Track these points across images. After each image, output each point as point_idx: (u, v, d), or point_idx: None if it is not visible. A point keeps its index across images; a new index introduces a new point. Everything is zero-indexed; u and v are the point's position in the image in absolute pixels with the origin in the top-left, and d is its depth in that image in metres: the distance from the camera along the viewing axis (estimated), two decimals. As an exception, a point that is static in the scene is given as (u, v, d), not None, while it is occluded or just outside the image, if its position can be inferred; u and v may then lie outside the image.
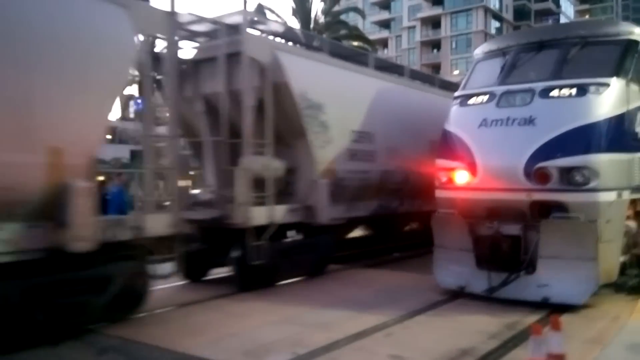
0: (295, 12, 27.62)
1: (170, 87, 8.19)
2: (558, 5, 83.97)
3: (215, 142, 9.32)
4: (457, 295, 8.37)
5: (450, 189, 8.58)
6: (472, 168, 8.20)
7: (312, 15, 28.00)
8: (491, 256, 8.05)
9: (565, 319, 6.93)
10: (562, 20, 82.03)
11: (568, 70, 8.32)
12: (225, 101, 9.09)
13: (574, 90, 7.95)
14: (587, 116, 7.70)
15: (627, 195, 8.06)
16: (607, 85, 7.86)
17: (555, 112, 7.90)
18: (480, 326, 6.85)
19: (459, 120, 8.84)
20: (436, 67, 72.16)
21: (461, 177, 8.36)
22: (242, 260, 8.78)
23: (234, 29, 9.02)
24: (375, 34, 61.48)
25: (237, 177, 8.60)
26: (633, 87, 8.24)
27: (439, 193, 8.85)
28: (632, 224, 8.51)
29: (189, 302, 8.32)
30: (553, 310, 7.47)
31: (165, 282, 8.32)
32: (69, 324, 6.40)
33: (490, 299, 7.95)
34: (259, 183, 8.89)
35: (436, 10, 73.07)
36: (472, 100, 8.82)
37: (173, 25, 7.91)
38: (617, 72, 8.07)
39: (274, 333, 6.59)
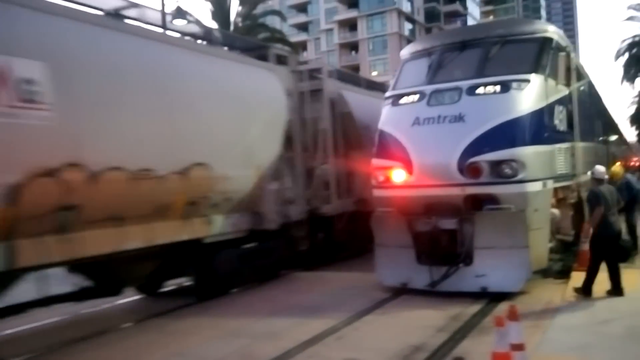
0: (214, 15, 27.08)
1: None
2: (465, 7, 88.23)
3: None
4: (401, 292, 8.48)
5: (388, 187, 8.70)
6: (408, 166, 8.35)
7: (232, 19, 27.58)
8: (431, 251, 8.24)
9: (503, 307, 7.30)
10: (470, 20, 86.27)
11: (491, 67, 8.66)
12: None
13: (497, 87, 8.30)
14: (512, 111, 8.06)
15: (551, 185, 8.51)
16: (528, 81, 8.27)
17: (482, 108, 8.21)
18: (427, 321, 6.97)
19: (392, 120, 8.98)
20: (355, 69, 73.45)
21: (398, 175, 8.49)
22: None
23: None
24: (293, 37, 61.69)
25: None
26: (550, 82, 8.72)
27: (377, 192, 8.95)
28: (556, 211, 9.00)
29: (126, 321, 7.89)
30: (492, 299, 7.80)
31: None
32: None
33: (432, 293, 8.11)
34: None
35: (352, 13, 74.54)
36: (403, 100, 8.99)
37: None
38: (535, 68, 8.51)
39: (221, 348, 6.35)
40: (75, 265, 7.62)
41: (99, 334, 7.33)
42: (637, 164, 35.15)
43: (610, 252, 7.62)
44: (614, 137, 23.88)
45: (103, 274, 8.32)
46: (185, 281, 10.41)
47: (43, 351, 6.79)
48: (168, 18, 10.56)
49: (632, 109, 50.99)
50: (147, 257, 8.21)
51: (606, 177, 8.31)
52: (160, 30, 9.96)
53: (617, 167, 12.56)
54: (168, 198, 7.80)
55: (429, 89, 8.74)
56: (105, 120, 6.77)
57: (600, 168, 8.15)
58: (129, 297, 9.82)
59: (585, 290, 7.53)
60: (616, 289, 7.50)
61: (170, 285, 10.42)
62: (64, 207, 6.31)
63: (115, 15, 8.31)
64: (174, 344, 6.67)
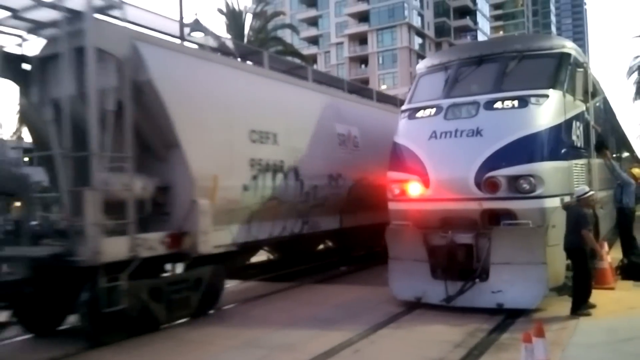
0: (229, 29, 27.41)
1: None
2: (475, 22, 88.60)
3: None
4: (415, 306, 8.43)
5: (404, 200, 8.68)
6: (424, 179, 8.34)
7: (246, 32, 27.90)
8: (446, 265, 8.20)
9: (520, 324, 7.25)
10: (480, 36, 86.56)
11: (508, 82, 8.68)
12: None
13: (516, 102, 8.30)
14: (530, 126, 8.05)
15: (568, 201, 8.46)
16: (546, 96, 8.27)
17: (500, 123, 8.21)
18: (444, 336, 6.93)
19: (408, 133, 8.99)
20: (365, 82, 73.71)
21: (414, 188, 8.48)
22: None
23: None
24: (304, 50, 62.19)
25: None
26: (568, 98, 8.71)
27: (392, 205, 8.93)
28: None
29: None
30: (507, 315, 7.74)
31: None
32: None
33: (446, 308, 8.07)
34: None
35: (362, 27, 74.99)
36: (420, 113, 9.01)
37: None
38: (553, 83, 8.51)
39: (240, 358, 6.34)
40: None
41: (115, 342, 7.33)
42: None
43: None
44: (626, 154, 23.76)
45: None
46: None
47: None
48: (186, 30, 10.56)
49: (644, 127, 50.77)
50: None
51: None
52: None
53: (636, 168, 12.51)
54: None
55: (446, 102, 8.75)
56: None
57: (585, 188, 8.03)
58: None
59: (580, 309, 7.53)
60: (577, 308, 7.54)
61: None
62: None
63: None
64: (192, 353, 6.68)
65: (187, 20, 11.87)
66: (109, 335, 7.11)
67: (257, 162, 9.21)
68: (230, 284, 11.22)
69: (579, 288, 7.67)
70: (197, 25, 12.17)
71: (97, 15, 7.24)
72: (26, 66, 7.95)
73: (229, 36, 26.77)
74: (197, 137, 7.99)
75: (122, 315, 6.98)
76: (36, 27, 7.71)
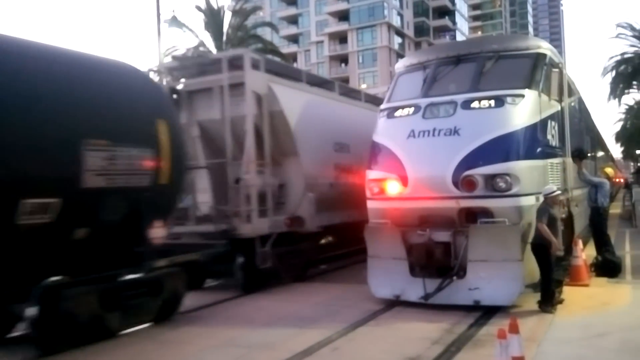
0: (207, 26, 27.19)
1: None
2: (454, 23, 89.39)
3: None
4: (393, 304, 8.48)
5: (382, 199, 8.73)
6: (402, 178, 8.39)
7: (225, 29, 27.70)
8: (425, 263, 8.27)
9: (496, 320, 7.35)
10: (458, 36, 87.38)
11: (485, 82, 8.77)
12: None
13: (492, 102, 8.39)
14: (506, 126, 8.15)
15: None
16: (522, 96, 8.38)
17: (477, 122, 8.29)
18: (421, 333, 6.98)
19: (387, 132, 9.03)
20: (345, 81, 73.80)
21: (392, 187, 8.53)
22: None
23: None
24: (283, 48, 62.02)
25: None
26: (544, 98, 8.85)
27: (371, 204, 8.97)
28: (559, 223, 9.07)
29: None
30: (485, 312, 7.83)
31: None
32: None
33: (424, 305, 8.13)
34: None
35: (342, 26, 75.12)
36: (398, 113, 9.05)
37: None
38: (529, 83, 8.63)
39: (217, 358, 6.31)
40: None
41: (90, 343, 7.21)
42: (622, 180, 35.61)
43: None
44: (601, 153, 24.23)
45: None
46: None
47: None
48: (164, 26, 10.73)
49: (618, 126, 51.85)
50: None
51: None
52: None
53: (609, 167, 12.78)
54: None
55: (424, 102, 8.82)
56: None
57: (552, 187, 8.13)
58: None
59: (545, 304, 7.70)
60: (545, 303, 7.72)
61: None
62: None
63: None
64: (169, 353, 6.63)
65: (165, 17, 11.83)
66: (256, 285, 10.27)
67: (338, 166, 12.25)
68: (209, 283, 11.19)
69: (542, 283, 7.86)
70: (174, 22, 12.11)
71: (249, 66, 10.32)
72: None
73: (208, 33, 26.66)
74: (306, 148, 11.10)
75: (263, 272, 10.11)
76: (199, 72, 10.76)
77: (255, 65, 10.45)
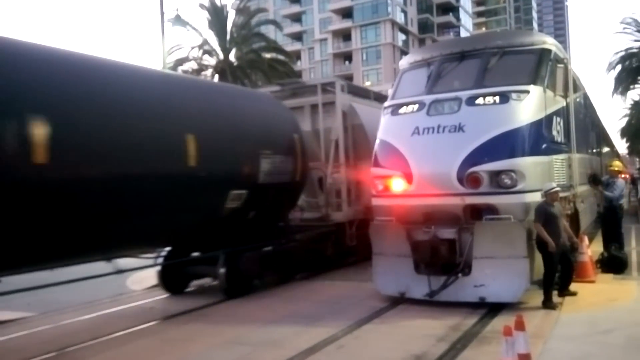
0: (211, 24, 27.19)
1: None
2: (458, 19, 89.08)
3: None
4: (398, 301, 8.47)
5: (387, 196, 8.71)
6: (407, 175, 8.36)
7: (228, 28, 27.68)
8: (430, 260, 8.24)
9: (502, 317, 7.32)
10: (462, 32, 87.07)
11: (490, 78, 8.71)
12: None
13: (497, 98, 8.33)
14: (511, 122, 8.10)
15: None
16: (527, 92, 8.33)
17: (482, 118, 8.24)
18: (427, 330, 6.97)
19: (391, 129, 9.01)
20: (349, 79, 73.76)
21: (397, 184, 8.50)
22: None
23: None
24: (287, 46, 62.04)
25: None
26: (549, 94, 8.79)
27: (376, 201, 8.96)
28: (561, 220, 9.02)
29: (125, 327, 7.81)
30: (490, 309, 7.81)
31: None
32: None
33: (429, 303, 8.11)
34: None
35: (346, 23, 75.03)
36: (402, 110, 9.02)
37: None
38: (534, 79, 8.57)
39: (223, 356, 6.33)
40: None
41: (95, 340, 7.26)
42: (627, 176, 35.41)
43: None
44: (606, 149, 24.11)
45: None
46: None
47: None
48: (168, 25, 10.71)
49: (623, 122, 51.52)
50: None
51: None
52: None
53: (617, 161, 12.83)
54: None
55: (428, 98, 8.78)
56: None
57: (552, 184, 8.11)
58: (128, 303, 9.78)
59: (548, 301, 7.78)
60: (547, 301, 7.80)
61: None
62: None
63: None
64: (174, 351, 6.63)
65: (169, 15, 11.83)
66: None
67: None
68: (213, 282, 11.21)
69: (544, 280, 7.90)
70: (178, 21, 12.11)
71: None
72: None
73: (211, 32, 26.64)
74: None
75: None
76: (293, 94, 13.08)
77: (342, 88, 12.78)
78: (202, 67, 27.76)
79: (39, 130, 5.94)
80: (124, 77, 7.90)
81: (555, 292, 8.10)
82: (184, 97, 8.77)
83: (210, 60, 28.50)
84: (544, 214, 7.79)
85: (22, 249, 6.27)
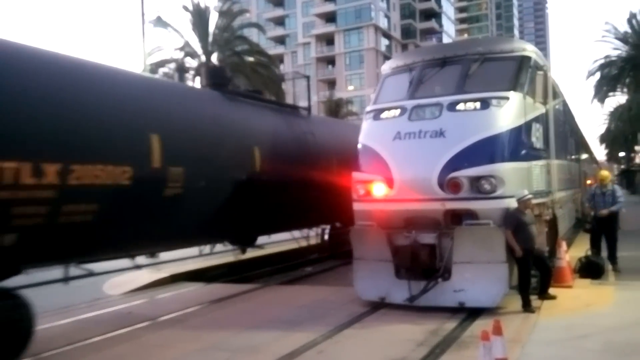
0: (194, 27, 27.01)
1: None
2: (440, 25, 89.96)
3: None
4: (379, 306, 8.45)
5: (368, 201, 8.70)
6: (388, 180, 8.36)
7: (211, 30, 27.54)
8: (410, 265, 8.24)
9: (480, 322, 7.35)
10: (445, 38, 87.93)
11: (471, 84, 8.77)
12: None
13: (478, 104, 8.39)
14: (491, 128, 8.16)
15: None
16: (507, 98, 8.40)
17: (462, 124, 8.29)
18: (406, 335, 6.96)
19: (373, 134, 9.01)
20: (332, 83, 74.01)
21: (378, 189, 8.50)
22: None
23: None
24: (270, 50, 61.90)
25: None
26: (528, 100, 8.88)
27: (357, 206, 8.93)
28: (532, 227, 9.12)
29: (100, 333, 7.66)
30: (469, 313, 7.84)
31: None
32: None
33: (409, 307, 8.10)
34: None
35: (329, 28, 75.24)
36: (384, 114, 9.03)
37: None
38: (514, 86, 8.65)
39: (201, 362, 6.23)
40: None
41: (71, 346, 7.11)
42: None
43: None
44: (585, 156, 24.45)
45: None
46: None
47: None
48: (149, 27, 10.52)
49: (602, 128, 52.46)
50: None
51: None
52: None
53: (605, 171, 12.85)
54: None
55: (410, 104, 8.80)
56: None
57: (524, 192, 8.12)
58: (105, 308, 9.61)
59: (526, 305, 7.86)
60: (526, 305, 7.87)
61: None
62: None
63: None
64: (151, 357, 6.52)
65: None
66: None
67: None
68: (192, 287, 11.08)
69: (519, 284, 7.97)
70: (159, 22, 11.98)
71: None
72: None
73: (194, 34, 26.48)
74: None
75: None
76: None
77: None
78: (184, 69, 27.51)
79: None
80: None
81: (534, 297, 8.17)
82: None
83: (192, 63, 28.32)
84: (515, 221, 7.86)
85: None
